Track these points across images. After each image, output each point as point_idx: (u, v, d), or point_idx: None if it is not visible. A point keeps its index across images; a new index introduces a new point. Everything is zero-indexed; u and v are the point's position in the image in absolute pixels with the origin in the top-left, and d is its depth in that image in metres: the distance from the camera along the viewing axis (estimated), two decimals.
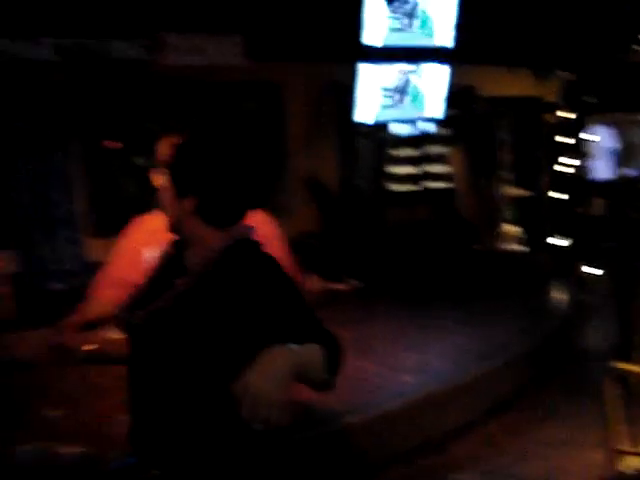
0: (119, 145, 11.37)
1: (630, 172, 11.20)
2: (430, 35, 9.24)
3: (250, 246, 2.07)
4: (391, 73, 9.21)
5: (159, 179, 2.36)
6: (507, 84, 11.01)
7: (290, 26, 8.45)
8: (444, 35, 9.32)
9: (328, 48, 8.69)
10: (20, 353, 6.09)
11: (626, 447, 3.30)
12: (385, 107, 9.31)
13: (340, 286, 8.63)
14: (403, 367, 5.71)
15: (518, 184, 11.20)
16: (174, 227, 2.07)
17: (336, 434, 4.47)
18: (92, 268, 8.34)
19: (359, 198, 9.84)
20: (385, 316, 7.46)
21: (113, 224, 8.10)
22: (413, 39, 9.13)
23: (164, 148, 2.63)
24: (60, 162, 8.50)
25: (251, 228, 2.10)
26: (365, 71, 8.91)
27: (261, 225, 2.42)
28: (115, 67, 7.56)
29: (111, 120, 9.06)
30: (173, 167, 2.04)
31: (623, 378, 3.13)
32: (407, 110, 9.57)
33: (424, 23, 9.13)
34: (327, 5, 8.39)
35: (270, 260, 2.03)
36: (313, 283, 8.49)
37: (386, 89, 9.24)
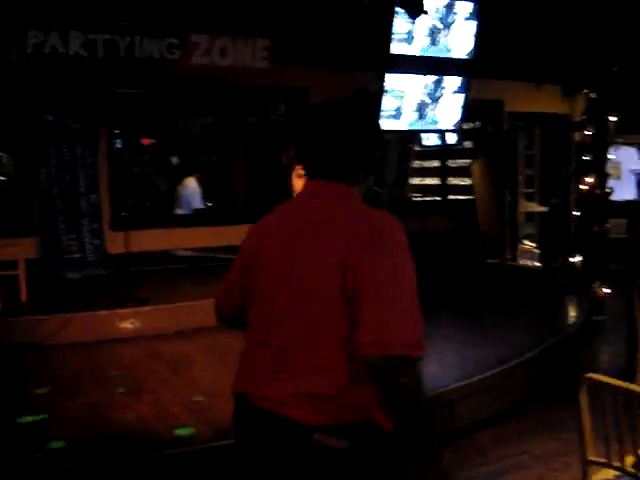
0: (151, 142, 11.66)
1: None
2: (454, 48, 9.30)
3: None
4: (417, 83, 9.28)
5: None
6: (535, 100, 11.04)
7: (317, 32, 8.57)
8: (467, 48, 9.36)
9: (355, 55, 8.80)
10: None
11: (599, 459, 3.33)
12: (409, 117, 9.38)
13: None
14: None
15: (540, 200, 11.20)
16: None
17: None
18: (110, 260, 8.62)
19: (380, 206, 9.92)
20: None
21: (134, 219, 8.38)
22: (438, 51, 9.18)
23: None
24: (88, 155, 8.72)
25: None
26: (391, 80, 8.99)
27: None
28: (141, 65, 7.73)
29: (140, 117, 9.29)
30: (306, 156, 2.20)
31: (599, 389, 3.17)
32: (431, 121, 9.63)
33: (449, 35, 9.19)
34: (355, 13, 8.49)
35: None
36: None
37: (411, 99, 9.32)
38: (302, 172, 2.24)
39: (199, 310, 7.05)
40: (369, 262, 1.89)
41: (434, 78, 9.31)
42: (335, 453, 1.88)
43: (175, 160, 11.84)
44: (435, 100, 9.43)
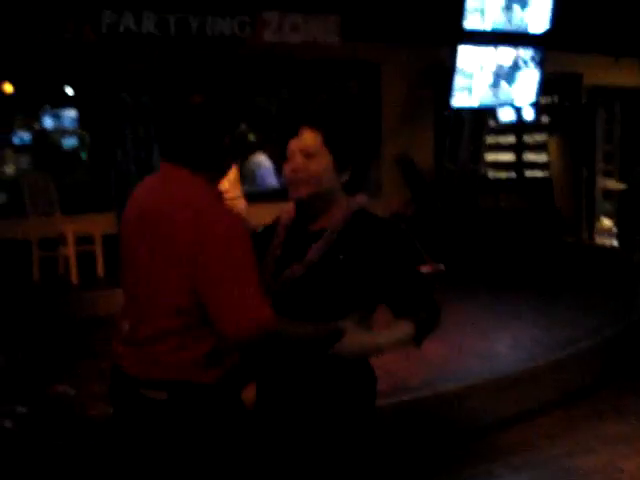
0: None
1: None
2: (530, 22, 9.07)
3: (368, 213, 2.24)
4: (492, 57, 9.11)
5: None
6: (614, 74, 10.68)
7: (388, 7, 8.47)
8: (544, 21, 9.12)
9: (428, 30, 8.68)
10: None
11: None
12: (484, 92, 9.22)
13: (424, 268, 8.63)
14: (470, 351, 5.73)
15: (619, 177, 10.87)
16: (313, 198, 2.16)
17: (382, 412, 4.55)
18: None
19: (452, 182, 9.80)
20: (464, 301, 7.42)
21: None
22: (514, 24, 8.98)
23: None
24: None
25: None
26: (465, 54, 8.84)
27: None
28: (212, 43, 7.79)
29: (213, 94, 9.36)
30: (338, 142, 2.14)
31: None
32: (506, 96, 9.44)
33: (524, 8, 8.97)
34: None
35: (390, 224, 2.24)
36: None
37: (486, 74, 9.15)
38: None
39: None
40: (202, 249, 1.99)
41: (508, 52, 9.12)
42: (156, 404, 2.06)
43: (250, 137, 11.92)
44: (510, 75, 9.24)
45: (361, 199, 2.23)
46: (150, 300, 2.10)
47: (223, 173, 2.25)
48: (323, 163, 2.12)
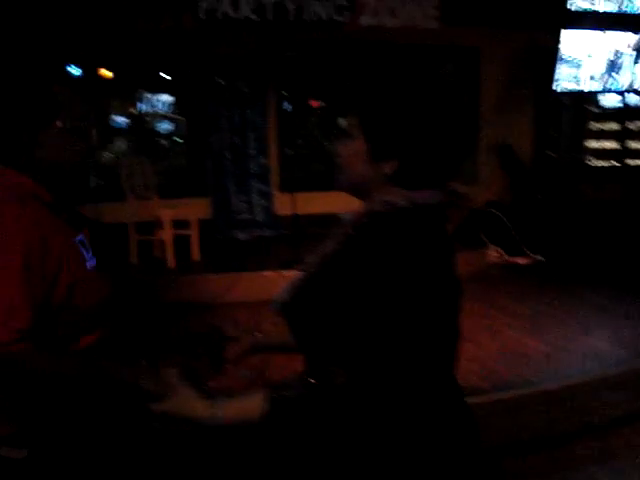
0: (320, 104, 11.71)
1: None
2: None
3: (405, 216, 1.66)
4: (596, 41, 8.74)
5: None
6: None
7: None
8: None
9: (530, 12, 8.38)
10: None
11: None
12: (588, 78, 8.87)
13: (521, 260, 8.42)
14: (571, 348, 5.52)
15: None
16: (347, 188, 1.78)
17: (482, 408, 4.41)
18: (278, 221, 8.78)
19: (553, 171, 9.49)
20: (563, 294, 7.19)
21: (301, 181, 8.47)
22: (622, 7, 8.58)
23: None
24: (257, 117, 8.88)
25: (439, 195, 1.71)
26: (568, 38, 8.51)
27: None
28: (309, 27, 7.72)
29: (308, 79, 9.35)
30: (375, 127, 1.69)
31: None
32: (612, 81, 9.06)
33: None
34: None
35: (411, 244, 1.60)
36: (494, 255, 8.35)
37: (591, 58, 8.79)
38: None
39: None
40: None
41: (616, 36, 8.73)
42: None
43: (344, 122, 11.84)
44: (616, 60, 8.85)
45: (394, 195, 1.67)
46: None
47: (32, 170, 1.95)
48: (353, 147, 1.72)
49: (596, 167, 10.29)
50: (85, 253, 2.03)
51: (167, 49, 8.38)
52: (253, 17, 7.45)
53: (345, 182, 1.78)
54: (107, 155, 9.64)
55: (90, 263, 2.06)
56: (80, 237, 2.05)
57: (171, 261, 7.31)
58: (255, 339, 2.19)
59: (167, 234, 7.34)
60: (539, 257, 8.43)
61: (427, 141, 1.65)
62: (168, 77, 9.64)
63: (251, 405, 1.63)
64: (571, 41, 8.48)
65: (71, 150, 1.97)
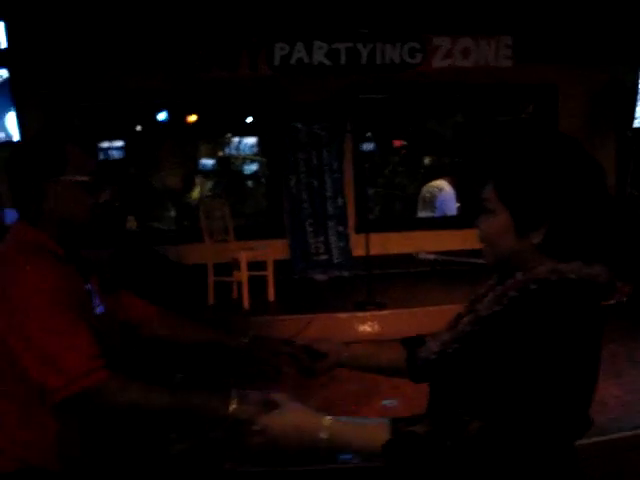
0: (403, 143, 11.81)
1: None
2: None
3: (577, 291, 1.58)
4: None
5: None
6: None
7: (560, 26, 8.15)
8: None
9: (606, 47, 8.27)
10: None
11: None
12: None
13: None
14: None
15: None
16: (495, 263, 1.75)
17: None
18: (355, 262, 8.84)
19: (636, 208, 9.24)
20: None
21: (377, 221, 8.51)
22: None
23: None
24: (334, 160, 9.00)
25: (606, 272, 1.61)
26: None
27: None
28: (382, 70, 7.83)
29: (384, 120, 9.45)
30: (518, 201, 1.62)
31: None
32: None
33: None
34: (601, 3, 7.97)
35: (564, 321, 1.55)
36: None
37: None
38: None
39: (438, 315, 6.98)
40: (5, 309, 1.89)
41: None
42: None
43: (427, 161, 11.90)
44: None
45: (559, 267, 1.60)
46: None
47: (42, 223, 2.05)
48: (496, 222, 1.66)
49: None
50: (93, 300, 2.11)
51: (246, 95, 8.62)
52: (326, 62, 7.61)
53: (493, 257, 1.74)
54: (194, 196, 9.99)
55: (99, 310, 2.13)
56: (88, 286, 2.12)
57: (247, 302, 7.44)
58: (342, 356, 2.20)
59: (243, 275, 7.48)
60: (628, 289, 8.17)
61: (571, 205, 1.59)
62: (250, 121, 9.94)
63: (374, 432, 1.60)
64: None
65: (80, 204, 2.04)
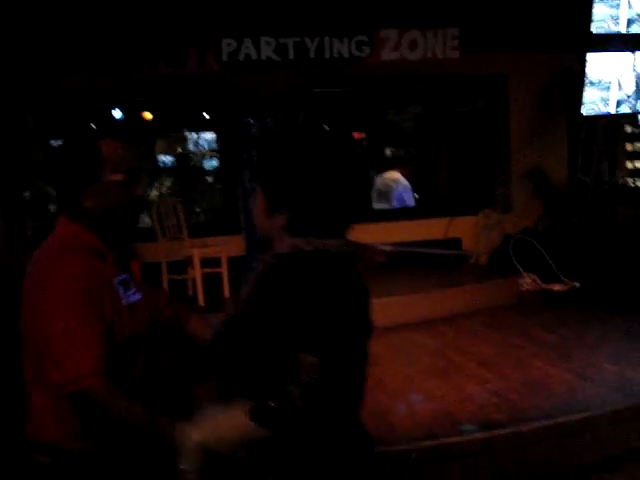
0: (362, 136, 11.85)
1: None
2: None
3: (311, 257, 1.86)
4: (628, 62, 8.63)
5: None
6: None
7: (507, 15, 8.23)
8: None
9: (554, 36, 8.36)
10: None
11: None
12: (620, 99, 8.74)
13: (557, 287, 8.29)
14: (596, 378, 5.40)
15: None
16: (266, 241, 1.97)
17: (497, 441, 4.37)
18: None
19: (587, 194, 9.36)
20: (595, 321, 7.08)
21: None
22: None
23: None
24: None
25: (345, 242, 1.95)
26: (595, 61, 8.42)
27: None
28: (330, 64, 7.83)
29: (336, 114, 9.47)
30: (267, 184, 1.95)
31: None
32: None
33: None
34: None
35: (318, 278, 1.83)
36: (528, 283, 8.25)
37: (621, 80, 8.68)
38: None
39: (391, 307, 7.03)
40: (34, 305, 2.04)
41: None
42: (42, 467, 2.09)
43: (387, 152, 11.96)
44: None
45: (299, 241, 1.88)
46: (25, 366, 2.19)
47: (83, 218, 2.14)
48: (258, 203, 1.96)
49: (632, 188, 10.12)
50: (122, 291, 2.18)
51: (195, 91, 8.57)
52: (274, 57, 7.60)
53: (258, 233, 2.02)
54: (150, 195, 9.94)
55: (133, 298, 2.21)
56: (123, 276, 2.20)
57: (201, 299, 7.43)
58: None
59: (197, 272, 7.47)
60: (575, 283, 8.29)
61: (310, 194, 1.88)
62: (206, 117, 9.89)
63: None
64: (598, 64, 8.39)
65: (119, 200, 2.13)
